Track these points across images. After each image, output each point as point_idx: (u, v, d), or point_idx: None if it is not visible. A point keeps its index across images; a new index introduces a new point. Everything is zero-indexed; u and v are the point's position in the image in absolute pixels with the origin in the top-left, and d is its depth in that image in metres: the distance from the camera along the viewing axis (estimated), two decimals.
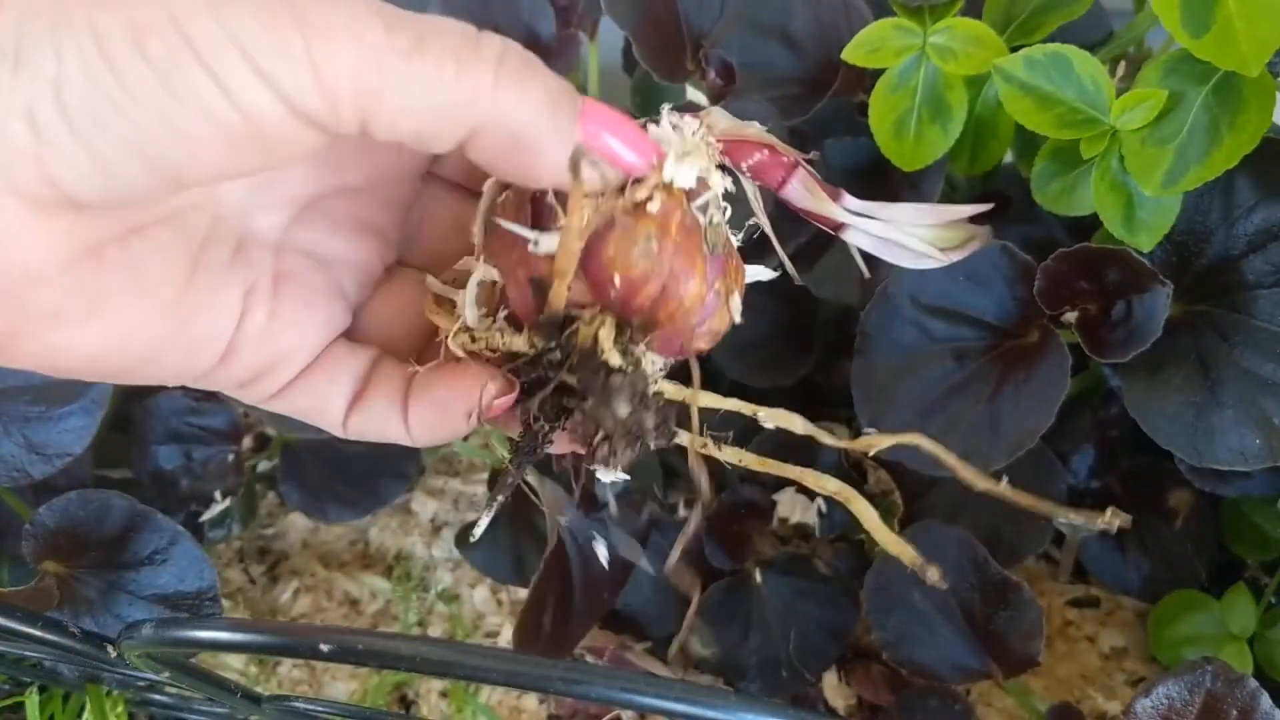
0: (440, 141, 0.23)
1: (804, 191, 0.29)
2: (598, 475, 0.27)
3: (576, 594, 0.55)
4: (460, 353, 0.27)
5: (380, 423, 0.28)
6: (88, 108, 0.20)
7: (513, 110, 0.23)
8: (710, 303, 0.27)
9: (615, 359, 0.25)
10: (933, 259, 0.30)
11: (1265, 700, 0.42)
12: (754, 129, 0.29)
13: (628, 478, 0.27)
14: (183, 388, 0.63)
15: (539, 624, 0.53)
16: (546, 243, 0.26)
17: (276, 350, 0.27)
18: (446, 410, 0.27)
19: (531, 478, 0.57)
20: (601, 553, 0.51)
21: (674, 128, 0.26)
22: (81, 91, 0.20)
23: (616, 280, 0.25)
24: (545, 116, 0.24)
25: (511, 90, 0.23)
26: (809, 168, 0.29)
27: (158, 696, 0.53)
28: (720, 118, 0.28)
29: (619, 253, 0.25)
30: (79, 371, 0.24)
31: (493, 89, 0.23)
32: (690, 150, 0.26)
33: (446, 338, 0.28)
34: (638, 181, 0.25)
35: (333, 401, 0.28)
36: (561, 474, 0.54)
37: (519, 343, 0.27)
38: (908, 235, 0.30)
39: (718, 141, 0.27)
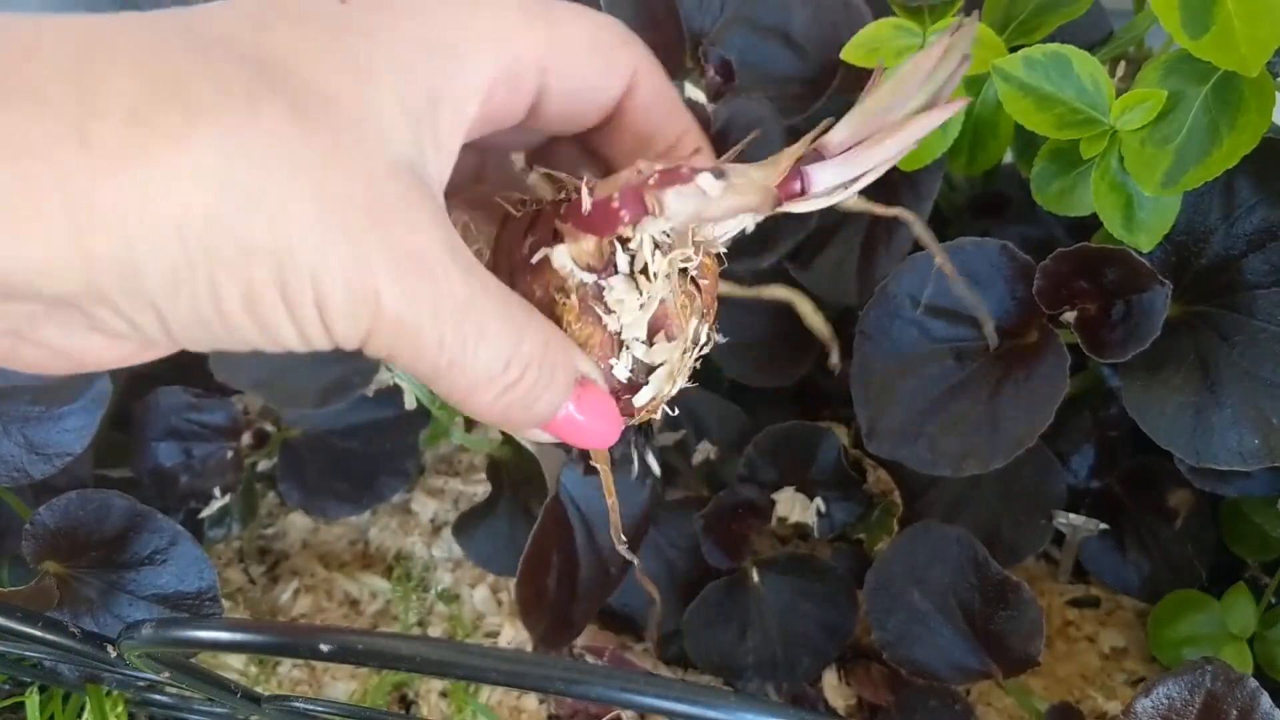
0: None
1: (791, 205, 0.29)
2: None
3: (582, 567, 0.55)
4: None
5: None
6: (188, 335, 0.23)
7: (504, 417, 0.28)
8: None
9: None
10: (938, 114, 0.28)
11: (1265, 700, 0.42)
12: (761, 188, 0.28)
13: None
14: (182, 385, 0.63)
15: (543, 586, 0.53)
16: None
17: None
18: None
19: (533, 446, 0.57)
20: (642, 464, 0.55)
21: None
22: (187, 325, 0.23)
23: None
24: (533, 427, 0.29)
25: (518, 413, 0.27)
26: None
27: (158, 696, 0.53)
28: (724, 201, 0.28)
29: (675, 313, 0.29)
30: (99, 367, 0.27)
31: (502, 416, 0.27)
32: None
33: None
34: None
35: None
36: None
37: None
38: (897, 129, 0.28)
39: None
